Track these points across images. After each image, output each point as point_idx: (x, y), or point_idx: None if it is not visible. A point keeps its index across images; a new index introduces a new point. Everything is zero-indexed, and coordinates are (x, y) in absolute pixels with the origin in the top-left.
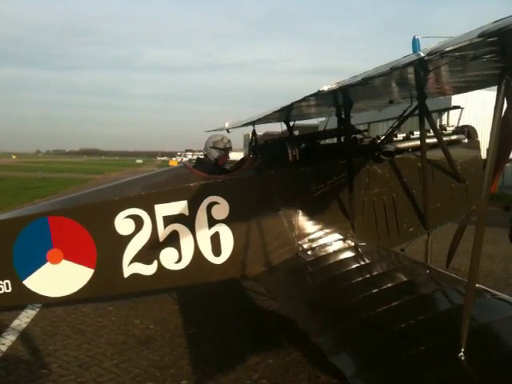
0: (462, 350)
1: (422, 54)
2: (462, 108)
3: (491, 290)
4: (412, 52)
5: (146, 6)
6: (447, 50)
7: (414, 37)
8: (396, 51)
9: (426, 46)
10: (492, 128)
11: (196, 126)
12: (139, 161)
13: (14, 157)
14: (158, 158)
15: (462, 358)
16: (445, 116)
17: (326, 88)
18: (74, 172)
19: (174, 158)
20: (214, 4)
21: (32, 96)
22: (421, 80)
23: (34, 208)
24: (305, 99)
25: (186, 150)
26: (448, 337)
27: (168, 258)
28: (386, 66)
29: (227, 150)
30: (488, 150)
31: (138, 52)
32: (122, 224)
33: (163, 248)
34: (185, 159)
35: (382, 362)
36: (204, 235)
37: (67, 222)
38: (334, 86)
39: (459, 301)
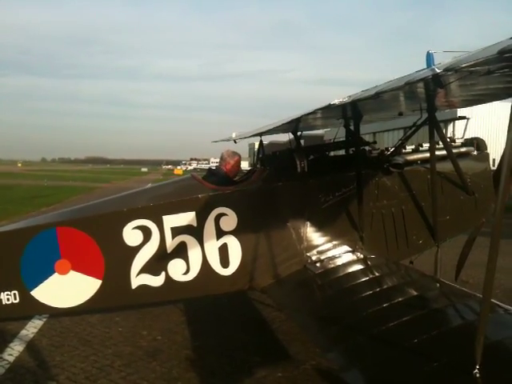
0: (477, 366)
1: (438, 70)
2: (468, 118)
3: (503, 305)
4: (426, 66)
5: (153, 17)
6: (463, 65)
7: (428, 51)
8: (399, 62)
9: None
10: (507, 139)
11: (200, 135)
12: (144, 169)
13: (19, 164)
14: (163, 167)
15: (477, 374)
16: (450, 126)
17: (337, 101)
18: (80, 180)
19: (178, 167)
20: (220, 14)
21: (38, 104)
22: (433, 94)
23: (42, 218)
24: (315, 112)
25: (191, 159)
26: (462, 353)
27: (176, 270)
28: (399, 80)
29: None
30: (502, 161)
31: (144, 62)
32: (130, 235)
33: (171, 259)
34: (190, 168)
35: (395, 379)
36: (212, 247)
37: (75, 232)
38: (345, 100)
39: (471, 316)
